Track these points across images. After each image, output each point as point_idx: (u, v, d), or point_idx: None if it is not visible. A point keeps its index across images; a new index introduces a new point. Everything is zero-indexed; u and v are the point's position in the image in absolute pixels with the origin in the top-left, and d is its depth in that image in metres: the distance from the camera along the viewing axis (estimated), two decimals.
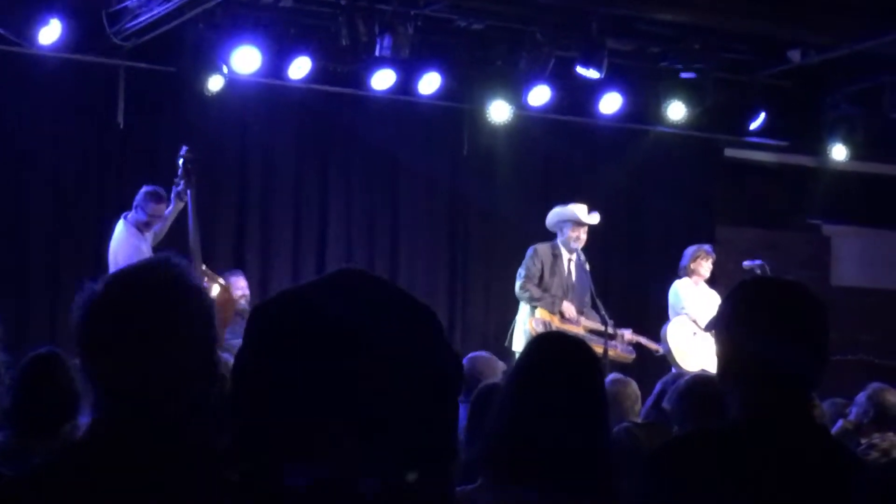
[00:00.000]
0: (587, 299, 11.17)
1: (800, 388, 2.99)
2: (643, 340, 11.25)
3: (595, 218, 11.13)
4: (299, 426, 1.51)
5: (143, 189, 10.08)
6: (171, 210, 10.08)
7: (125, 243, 9.90)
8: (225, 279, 11.25)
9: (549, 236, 11.29)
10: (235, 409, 1.59)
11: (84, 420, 5.20)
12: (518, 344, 10.83)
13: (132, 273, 2.45)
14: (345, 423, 1.51)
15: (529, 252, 11.11)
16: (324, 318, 1.55)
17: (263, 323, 1.60)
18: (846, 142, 13.78)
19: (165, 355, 2.28)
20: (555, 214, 11.22)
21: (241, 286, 11.38)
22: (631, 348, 11.07)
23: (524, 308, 11.02)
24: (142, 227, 9.96)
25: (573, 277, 11.10)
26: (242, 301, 11.09)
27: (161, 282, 2.37)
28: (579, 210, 11.13)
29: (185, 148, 10.09)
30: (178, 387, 2.24)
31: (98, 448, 2.28)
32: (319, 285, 1.63)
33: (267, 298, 1.64)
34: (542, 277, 10.99)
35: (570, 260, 11.09)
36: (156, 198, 9.99)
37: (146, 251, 9.92)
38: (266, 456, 1.52)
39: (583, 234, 11.09)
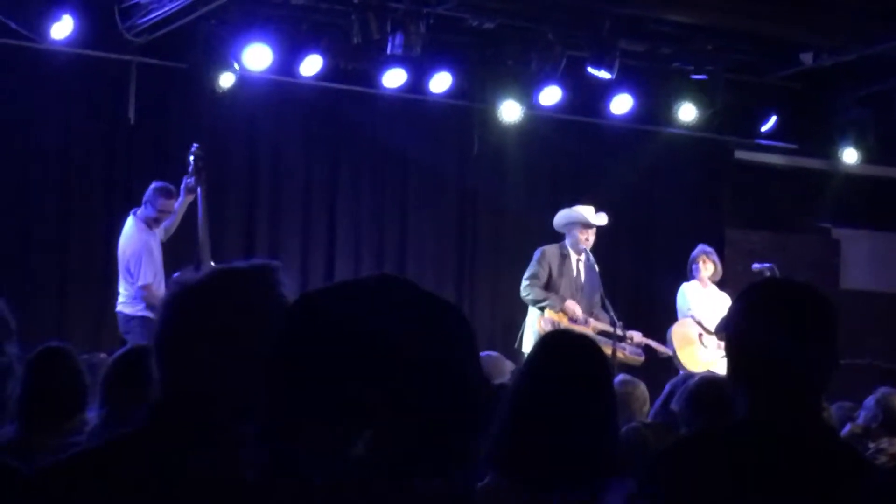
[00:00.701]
0: (597, 300, 11.15)
1: (809, 391, 2.98)
2: (652, 343, 11.23)
3: (603, 219, 11.10)
4: (326, 424, 1.52)
5: (153, 185, 10.10)
6: (180, 203, 10.09)
7: (134, 239, 9.93)
8: None
9: (559, 236, 11.27)
10: (267, 404, 1.60)
11: (91, 414, 5.21)
12: (528, 345, 10.81)
13: (236, 274, 2.45)
14: (372, 423, 1.52)
15: (537, 254, 11.09)
16: (364, 319, 1.56)
17: (304, 317, 1.61)
18: (857, 145, 13.77)
19: (242, 358, 2.28)
20: (562, 216, 11.19)
21: None
22: (640, 350, 11.04)
23: (533, 309, 11.00)
24: (151, 222, 9.99)
25: (582, 278, 11.08)
26: None
27: (260, 288, 2.37)
28: (587, 211, 11.11)
29: (195, 145, 10.09)
30: (245, 390, 2.24)
31: (155, 439, 2.28)
32: (360, 285, 1.63)
33: (311, 292, 1.65)
34: (549, 279, 10.96)
35: (578, 261, 11.07)
36: (165, 193, 10.01)
37: (155, 247, 9.96)
38: (294, 452, 1.53)
39: (591, 236, 11.06)
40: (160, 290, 9.63)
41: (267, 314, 2.34)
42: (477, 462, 1.61)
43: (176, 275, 9.10)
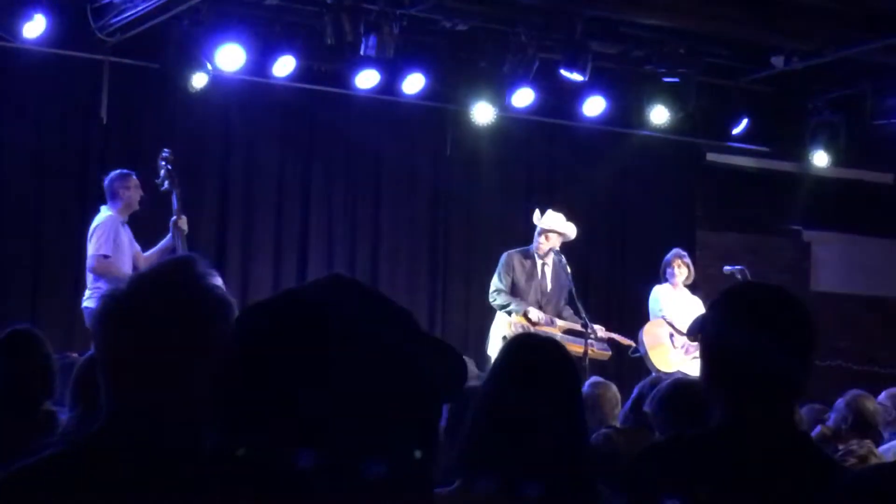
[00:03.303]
0: (564, 301, 11.17)
1: (783, 394, 3.00)
2: (616, 337, 11.26)
3: (571, 229, 11.08)
4: (278, 424, 1.54)
5: (111, 175, 9.94)
6: (168, 241, 9.94)
7: (103, 221, 9.70)
8: None
9: (531, 237, 11.26)
10: (227, 399, 1.62)
11: (63, 416, 5.19)
12: (494, 349, 10.83)
13: (155, 275, 2.46)
14: (335, 412, 1.54)
15: (502, 260, 11.09)
16: (316, 315, 1.58)
17: (257, 319, 1.63)
18: (827, 148, 13.83)
19: (185, 358, 2.30)
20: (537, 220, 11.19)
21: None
22: (606, 345, 11.06)
23: (501, 314, 11.01)
24: (121, 211, 9.84)
25: (548, 281, 11.09)
26: None
27: (183, 284, 2.38)
28: (553, 218, 11.11)
29: (166, 151, 10.06)
30: (196, 388, 2.25)
31: (111, 443, 2.29)
32: (311, 288, 1.66)
33: (257, 302, 1.67)
34: (515, 284, 10.98)
35: (544, 265, 11.08)
36: (126, 177, 9.86)
37: (125, 236, 9.80)
38: (266, 442, 1.55)
39: (544, 240, 11.03)
40: (121, 271, 9.40)
41: (194, 306, 2.36)
42: (433, 456, 1.63)
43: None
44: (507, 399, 3.42)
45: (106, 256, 9.57)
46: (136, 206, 9.91)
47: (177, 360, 2.31)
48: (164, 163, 9.97)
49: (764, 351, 2.93)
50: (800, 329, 3.00)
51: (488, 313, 11.36)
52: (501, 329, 10.92)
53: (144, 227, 10.31)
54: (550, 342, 3.75)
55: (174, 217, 9.87)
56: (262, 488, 1.53)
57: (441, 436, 1.73)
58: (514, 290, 10.95)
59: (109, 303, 2.38)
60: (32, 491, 2.26)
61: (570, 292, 10.91)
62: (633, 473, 3.05)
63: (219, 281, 2.51)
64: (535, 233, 11.06)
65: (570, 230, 11.09)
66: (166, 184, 9.94)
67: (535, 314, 10.84)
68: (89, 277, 9.82)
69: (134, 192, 9.87)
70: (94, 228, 9.73)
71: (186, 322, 2.33)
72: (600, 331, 11.01)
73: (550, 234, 11.02)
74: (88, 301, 9.71)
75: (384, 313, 1.62)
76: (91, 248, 9.63)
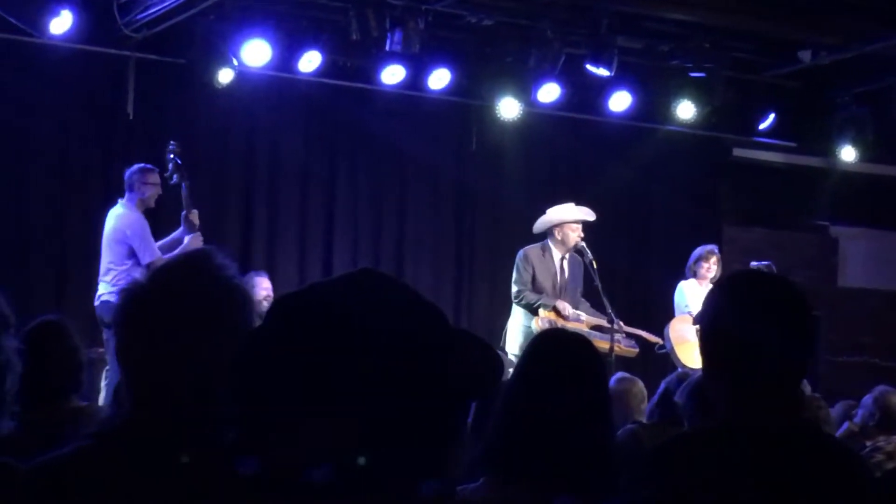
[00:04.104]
0: (579, 296, 11.13)
1: (784, 383, 2.96)
2: (643, 333, 11.22)
3: (590, 213, 11.03)
4: (310, 420, 1.53)
5: (134, 168, 10.00)
6: (183, 235, 9.99)
7: (132, 218, 9.74)
8: (248, 279, 11.26)
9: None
10: (247, 400, 1.61)
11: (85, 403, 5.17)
12: (512, 345, 10.80)
13: (174, 268, 2.45)
14: (354, 419, 1.53)
15: (519, 257, 11.02)
16: (344, 314, 1.57)
17: (285, 316, 1.62)
18: (855, 143, 13.75)
19: (204, 350, 2.29)
20: (546, 220, 11.12)
21: (265, 286, 11.29)
22: (633, 343, 11.03)
23: (518, 310, 10.97)
24: (140, 204, 9.89)
25: (566, 276, 11.05)
26: (265, 303, 11.01)
27: (203, 278, 2.37)
28: (572, 208, 11.08)
29: (172, 143, 10.09)
30: (213, 383, 2.24)
31: (131, 437, 2.29)
32: (340, 283, 1.64)
33: (287, 293, 1.66)
34: (534, 280, 10.94)
35: (563, 259, 11.04)
36: (149, 171, 9.96)
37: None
38: (281, 449, 1.54)
39: (560, 235, 10.98)
40: None
41: (213, 298, 2.35)
42: (458, 461, 1.61)
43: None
44: (534, 396, 3.39)
45: (152, 260, 9.64)
46: (152, 204, 9.96)
47: (195, 353, 2.30)
48: (171, 156, 10.00)
49: (760, 337, 2.90)
50: (796, 313, 2.97)
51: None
52: (519, 325, 10.89)
53: (157, 220, 10.37)
54: (579, 338, 3.71)
55: (184, 211, 9.90)
56: (278, 485, 1.52)
57: (467, 432, 1.72)
58: (533, 286, 10.92)
59: (129, 297, 2.38)
60: (57, 483, 2.27)
61: (596, 288, 10.85)
62: (649, 467, 3.01)
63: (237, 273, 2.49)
64: (567, 228, 10.98)
65: (581, 213, 11.03)
66: (175, 177, 9.97)
67: (564, 308, 10.81)
68: (111, 271, 9.82)
69: (151, 188, 9.91)
70: (131, 232, 9.73)
71: (205, 315, 2.33)
72: (624, 327, 10.98)
73: (565, 227, 10.97)
74: (111, 296, 9.69)
75: (413, 309, 1.60)
76: (146, 257, 9.66)
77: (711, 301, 3.06)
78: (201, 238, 9.81)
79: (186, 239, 9.81)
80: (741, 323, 2.94)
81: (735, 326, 2.95)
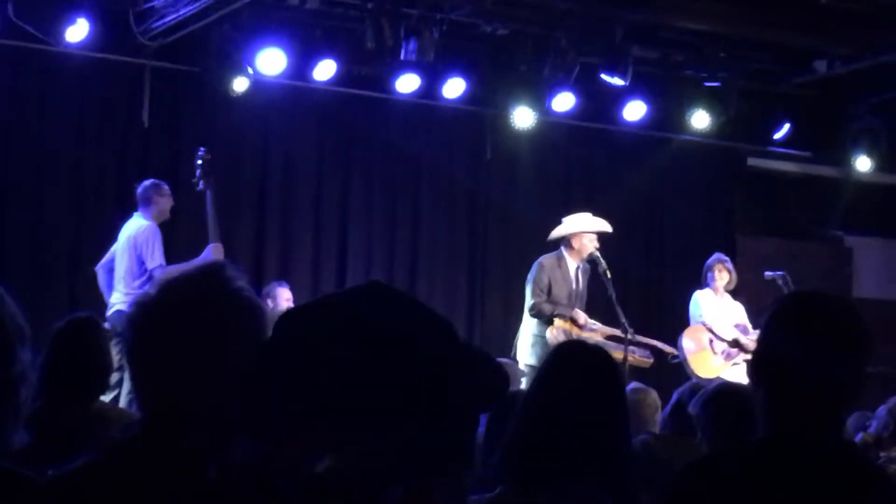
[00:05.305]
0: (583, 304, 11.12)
1: (834, 407, 2.93)
2: (658, 344, 11.20)
3: (606, 225, 11.02)
4: (319, 423, 1.54)
5: (146, 183, 10.12)
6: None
7: (146, 227, 9.90)
8: (270, 289, 11.32)
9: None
10: (258, 411, 1.61)
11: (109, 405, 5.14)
12: (522, 355, 10.77)
13: (184, 280, 2.45)
14: (361, 430, 1.53)
15: (534, 268, 11.00)
16: (352, 327, 1.58)
17: (293, 330, 1.63)
18: (870, 153, 13.73)
19: (214, 363, 2.29)
20: (564, 229, 11.10)
21: (286, 297, 11.34)
22: (649, 353, 11.01)
23: (529, 320, 10.94)
24: (155, 218, 10.01)
25: (581, 286, 11.04)
26: None
27: (215, 291, 2.37)
28: (588, 218, 11.07)
29: (202, 149, 10.17)
30: (225, 395, 2.24)
31: (143, 453, 2.29)
32: (349, 296, 1.65)
33: (295, 307, 1.67)
34: (550, 289, 10.92)
35: (578, 269, 11.03)
36: (160, 187, 10.10)
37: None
38: (292, 449, 1.55)
39: (574, 245, 10.97)
40: None
41: (223, 311, 2.35)
42: (469, 465, 1.62)
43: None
44: (554, 406, 3.40)
45: (163, 266, 9.68)
46: (167, 216, 10.13)
47: (206, 366, 2.30)
48: (200, 161, 10.07)
49: (816, 360, 2.87)
50: (853, 339, 2.94)
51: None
52: (530, 334, 10.86)
53: (178, 228, 10.40)
54: (599, 351, 3.72)
55: (208, 218, 9.94)
56: (286, 494, 1.53)
57: (479, 443, 1.72)
58: (549, 296, 10.89)
59: (139, 308, 2.38)
60: (70, 501, 2.27)
61: (610, 298, 10.83)
62: (681, 485, 2.97)
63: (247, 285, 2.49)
64: (584, 238, 10.96)
65: (599, 224, 11.02)
66: (201, 184, 10.03)
67: (581, 317, 10.80)
68: (124, 280, 9.88)
69: (167, 201, 10.09)
70: (142, 239, 9.81)
71: (216, 327, 2.33)
72: (640, 337, 10.95)
73: (582, 237, 10.95)
74: (123, 306, 9.73)
75: (422, 323, 1.61)
76: (149, 262, 9.72)
77: (766, 320, 3.01)
78: (222, 248, 9.86)
79: (207, 248, 9.85)
80: (793, 345, 2.90)
81: (786, 348, 2.91)
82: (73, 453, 2.41)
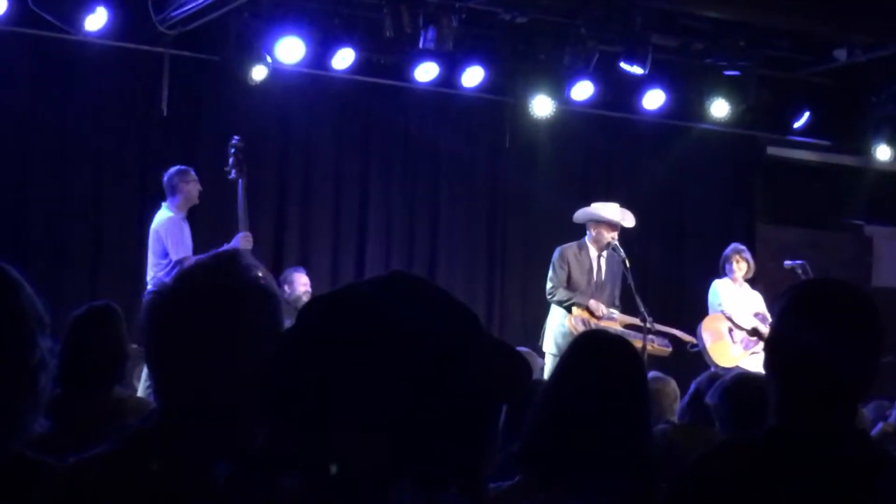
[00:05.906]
0: (617, 294, 11.10)
1: (846, 397, 2.92)
2: (677, 333, 11.19)
3: (630, 220, 10.99)
4: (335, 417, 1.53)
5: (173, 170, 10.09)
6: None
7: (169, 219, 9.89)
8: (287, 275, 11.36)
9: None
10: (278, 399, 1.61)
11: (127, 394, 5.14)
12: (548, 344, 10.78)
13: (200, 269, 2.45)
14: (384, 420, 1.53)
15: (555, 255, 10.99)
16: (376, 317, 1.57)
17: (318, 318, 1.63)
18: (890, 142, 13.69)
19: (230, 352, 2.29)
20: (587, 213, 11.09)
21: (303, 282, 11.41)
22: (667, 342, 11.00)
23: (556, 309, 10.95)
24: (182, 207, 9.98)
25: (603, 274, 11.01)
26: (304, 298, 11.07)
27: (228, 280, 2.37)
28: (613, 210, 11.03)
29: (235, 137, 10.15)
30: (242, 385, 2.23)
31: (159, 444, 2.30)
32: (372, 285, 1.65)
33: (319, 295, 1.66)
34: (569, 278, 10.91)
35: (600, 257, 11.01)
36: (186, 173, 10.05)
37: (187, 233, 9.94)
38: (313, 449, 1.54)
39: (596, 233, 10.95)
40: None
41: (239, 300, 2.35)
42: (486, 468, 1.61)
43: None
44: (574, 397, 3.39)
45: (181, 262, 9.68)
46: (196, 201, 10.06)
47: (222, 355, 2.30)
48: (233, 150, 10.05)
49: (827, 349, 2.86)
50: (866, 328, 2.92)
51: (545, 307, 11.33)
52: (557, 323, 10.87)
53: (206, 216, 10.42)
54: (621, 341, 3.71)
55: (239, 207, 9.94)
56: (307, 486, 1.52)
57: (499, 432, 1.72)
58: (569, 284, 10.90)
59: (156, 298, 2.39)
60: (85, 489, 2.27)
61: (629, 287, 10.81)
62: (691, 476, 2.97)
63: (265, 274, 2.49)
64: (602, 228, 10.94)
65: (620, 216, 10.99)
66: (233, 172, 10.03)
67: (597, 307, 10.79)
68: (152, 269, 9.92)
69: (193, 187, 10.01)
70: (164, 231, 9.82)
71: (232, 316, 2.33)
72: (658, 326, 10.94)
73: (601, 225, 10.93)
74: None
75: (445, 313, 1.60)
76: (173, 253, 9.74)
77: (779, 309, 3.00)
78: (251, 237, 9.87)
79: (236, 237, 9.85)
80: (803, 333, 2.89)
81: (797, 337, 2.90)
82: (92, 441, 2.42)
